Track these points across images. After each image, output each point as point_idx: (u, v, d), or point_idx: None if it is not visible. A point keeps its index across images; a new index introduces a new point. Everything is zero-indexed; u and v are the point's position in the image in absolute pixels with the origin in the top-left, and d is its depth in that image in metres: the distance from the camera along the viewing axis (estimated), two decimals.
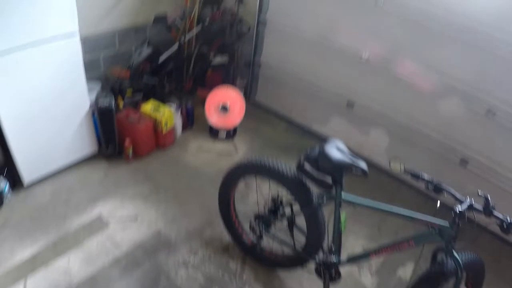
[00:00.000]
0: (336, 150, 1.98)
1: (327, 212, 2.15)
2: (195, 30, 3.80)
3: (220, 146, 3.63)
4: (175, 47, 3.70)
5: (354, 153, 2.07)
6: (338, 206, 2.04)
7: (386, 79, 3.19)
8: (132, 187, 3.04)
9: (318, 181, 2.02)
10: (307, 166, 2.02)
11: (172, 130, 3.44)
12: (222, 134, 3.67)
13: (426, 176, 1.84)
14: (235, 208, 2.57)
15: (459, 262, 1.70)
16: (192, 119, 3.77)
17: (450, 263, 1.72)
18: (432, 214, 1.81)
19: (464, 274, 1.77)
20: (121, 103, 3.39)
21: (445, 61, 2.84)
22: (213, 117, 3.57)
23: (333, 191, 2.01)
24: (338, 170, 1.95)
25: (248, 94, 4.27)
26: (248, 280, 2.46)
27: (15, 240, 2.52)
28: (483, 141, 2.88)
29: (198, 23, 3.86)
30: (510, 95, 2.63)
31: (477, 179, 2.96)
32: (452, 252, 1.72)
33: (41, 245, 2.52)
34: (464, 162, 3.01)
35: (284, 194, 2.28)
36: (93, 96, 3.33)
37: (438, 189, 1.79)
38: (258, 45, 3.98)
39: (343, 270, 2.19)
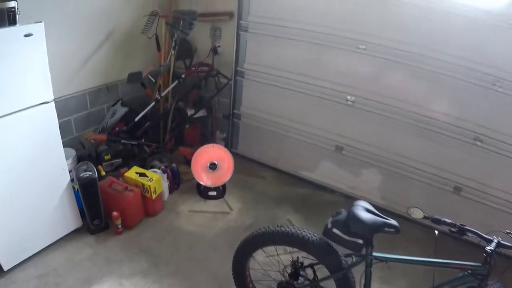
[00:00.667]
0: (365, 212, 1.91)
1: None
2: (170, 86, 3.67)
3: (212, 205, 3.45)
4: (151, 104, 3.55)
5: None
6: (369, 265, 1.98)
7: (373, 119, 3.24)
8: (127, 264, 2.76)
9: (348, 244, 1.94)
10: (336, 231, 1.95)
11: (161, 195, 3.23)
12: (212, 193, 3.50)
13: (448, 220, 1.84)
14: (251, 278, 2.41)
15: None
16: (178, 180, 3.58)
17: None
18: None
19: None
20: (102, 171, 3.13)
21: (429, 96, 2.98)
22: (202, 177, 3.42)
23: (364, 251, 1.94)
24: (371, 232, 1.89)
25: (229, 147, 4.17)
26: None
27: None
28: (473, 167, 3.00)
29: (173, 78, 3.75)
30: (494, 123, 2.80)
31: (471, 204, 3.05)
32: None
33: None
34: (457, 189, 3.10)
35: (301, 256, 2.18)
36: (69, 164, 3.09)
37: (461, 231, 1.80)
38: (236, 96, 3.94)
39: None
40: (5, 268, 2.54)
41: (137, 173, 3.11)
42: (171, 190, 3.48)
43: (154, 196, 3.08)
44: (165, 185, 3.32)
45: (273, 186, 3.79)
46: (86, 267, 2.70)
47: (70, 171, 2.96)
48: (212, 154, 3.46)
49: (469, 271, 1.77)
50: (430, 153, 3.13)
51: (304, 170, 3.82)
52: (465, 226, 1.80)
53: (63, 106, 3.30)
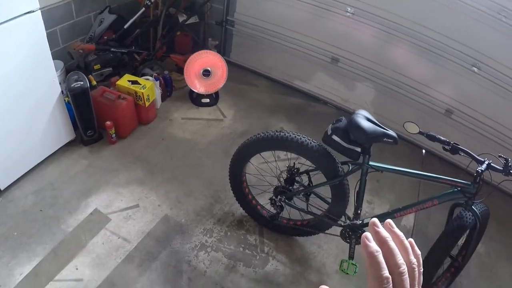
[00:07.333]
0: (365, 121, 1.92)
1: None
2: None
3: (205, 113, 3.43)
4: (140, 10, 3.31)
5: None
6: (365, 174, 2.05)
7: (372, 33, 3.11)
8: (123, 172, 2.80)
9: (346, 152, 1.98)
10: (335, 138, 1.97)
11: (154, 103, 3.17)
12: (205, 100, 3.46)
13: (442, 138, 1.87)
14: (248, 183, 2.48)
15: (478, 215, 1.84)
16: (171, 88, 3.50)
17: (469, 217, 1.83)
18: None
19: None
20: (93, 81, 3.01)
21: (434, 17, 2.83)
22: (195, 84, 3.34)
23: (361, 159, 1.99)
24: (370, 141, 1.92)
25: (222, 54, 3.99)
26: (270, 252, 2.43)
27: (8, 258, 2.19)
28: (467, 93, 2.95)
29: None
30: (494, 52, 2.69)
31: (461, 128, 3.07)
32: (472, 207, 1.84)
33: (40, 257, 2.21)
34: (448, 112, 3.09)
35: (298, 163, 2.26)
36: (58, 77, 2.95)
37: (455, 150, 1.84)
38: (230, 2, 3.69)
39: None
40: (2, 187, 2.53)
41: (129, 81, 3.01)
42: (163, 98, 3.42)
43: (147, 103, 3.02)
44: (157, 92, 3.25)
45: (266, 94, 3.75)
46: (82, 179, 2.72)
47: (59, 84, 2.83)
48: (206, 60, 3.34)
49: (459, 188, 1.85)
50: (427, 73, 3.06)
51: (298, 80, 3.76)
52: (459, 145, 1.83)
53: (47, 16, 3.01)
